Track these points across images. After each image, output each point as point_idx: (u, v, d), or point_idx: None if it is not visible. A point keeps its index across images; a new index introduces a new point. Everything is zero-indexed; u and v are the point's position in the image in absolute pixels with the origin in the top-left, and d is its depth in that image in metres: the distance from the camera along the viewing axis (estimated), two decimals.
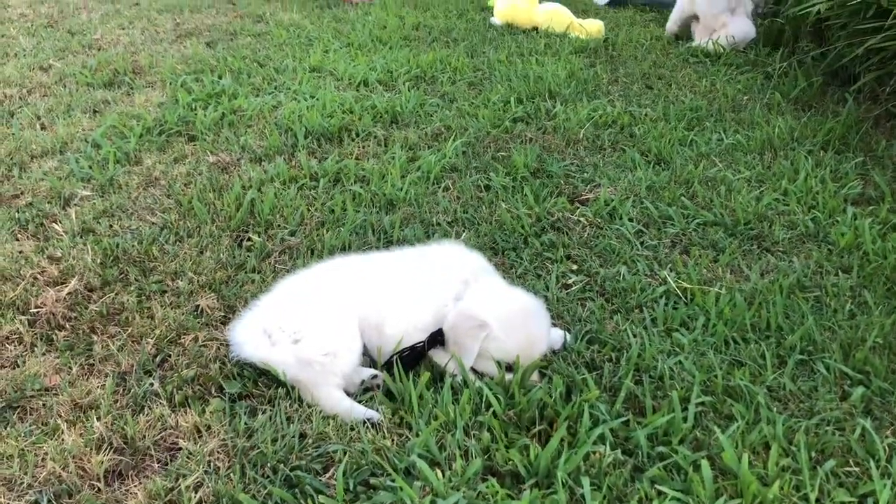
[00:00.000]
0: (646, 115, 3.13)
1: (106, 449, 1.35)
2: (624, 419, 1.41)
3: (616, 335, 1.68)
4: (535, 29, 4.62)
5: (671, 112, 3.14)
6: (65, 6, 4.85)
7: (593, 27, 4.51)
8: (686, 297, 1.85)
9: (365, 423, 1.40)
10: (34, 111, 2.97)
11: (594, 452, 1.32)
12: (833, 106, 3.23)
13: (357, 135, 2.84)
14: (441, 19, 4.77)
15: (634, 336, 1.66)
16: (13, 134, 2.74)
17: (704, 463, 1.28)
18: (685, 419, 1.41)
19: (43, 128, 2.84)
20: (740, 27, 4.41)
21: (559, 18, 4.57)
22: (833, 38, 3.49)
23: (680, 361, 1.59)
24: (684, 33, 4.51)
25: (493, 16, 4.83)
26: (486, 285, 1.60)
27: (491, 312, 1.51)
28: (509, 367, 1.50)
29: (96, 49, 3.89)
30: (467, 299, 1.55)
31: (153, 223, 2.14)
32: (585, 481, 1.24)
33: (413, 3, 5.32)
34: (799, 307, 1.80)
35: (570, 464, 1.28)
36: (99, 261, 1.91)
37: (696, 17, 4.46)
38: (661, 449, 1.35)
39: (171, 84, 3.31)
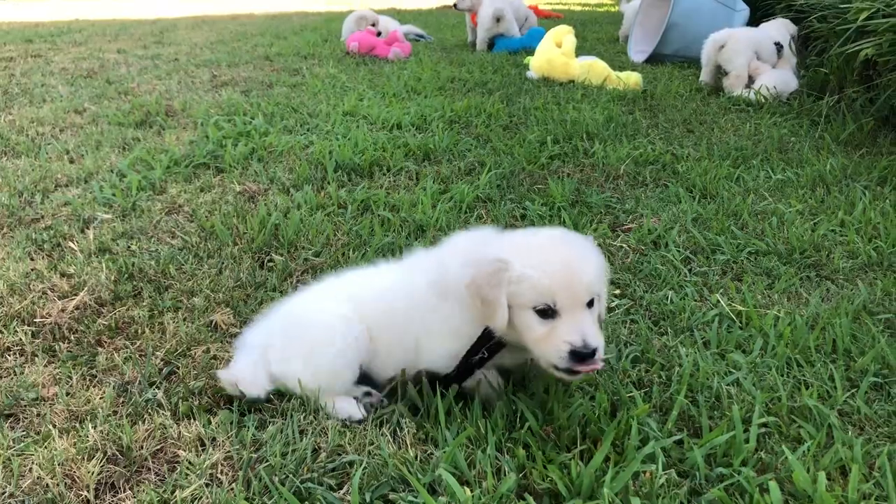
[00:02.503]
0: (688, 154, 3.02)
1: (99, 458, 1.21)
2: (677, 438, 1.25)
3: (665, 354, 1.53)
4: (572, 81, 4.57)
5: (715, 151, 3.03)
6: (105, 61, 4.94)
7: (631, 79, 4.45)
8: (741, 321, 1.69)
9: (349, 423, 1.26)
10: (64, 146, 2.95)
11: (644, 472, 1.16)
12: (887, 146, 3.08)
13: (388, 169, 2.76)
14: (477, 73, 4.76)
15: (686, 356, 1.50)
16: (40, 165, 2.70)
17: (773, 485, 1.11)
18: (747, 440, 1.24)
19: (71, 161, 2.80)
20: (781, 78, 4.33)
21: (596, 71, 4.52)
22: (882, 82, 3.37)
23: (738, 381, 1.42)
24: (719, 83, 4.43)
25: (529, 70, 4.81)
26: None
27: (506, 248, 1.24)
28: (551, 314, 1.19)
29: (132, 96, 3.91)
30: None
31: (172, 244, 2.05)
32: (636, 502, 1.08)
33: (449, 59, 5.34)
34: (868, 329, 1.62)
35: (617, 482, 1.12)
36: (113, 278, 1.81)
37: (723, 71, 4.40)
38: (721, 470, 1.18)
39: (202, 124, 3.28)
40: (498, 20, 5.73)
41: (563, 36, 4.74)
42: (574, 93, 4.20)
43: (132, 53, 5.42)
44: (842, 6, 3.90)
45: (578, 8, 12.41)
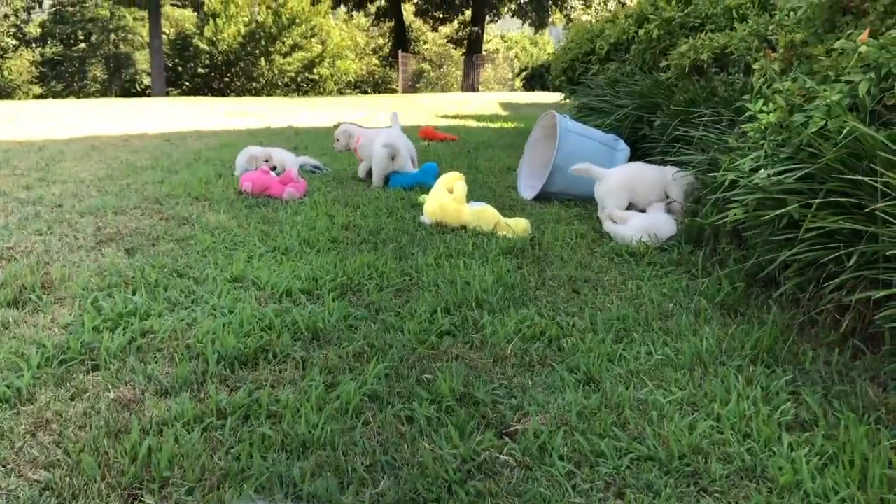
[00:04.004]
0: (573, 325, 3.09)
1: None
2: None
3: None
4: (464, 227, 4.67)
5: (598, 321, 3.11)
6: None
7: (519, 226, 4.58)
8: None
9: None
10: None
11: None
12: (758, 312, 3.25)
13: (274, 356, 2.70)
14: (371, 219, 4.80)
15: None
16: None
17: None
18: None
19: None
20: (662, 224, 4.55)
21: (486, 217, 4.64)
22: (752, 243, 3.58)
23: None
24: None
25: (422, 214, 4.88)
26: None
27: None
28: None
29: (7, 259, 3.73)
30: None
31: (35, 481, 1.91)
32: None
33: (344, 201, 5.38)
34: None
35: None
36: None
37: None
38: None
39: (80, 301, 3.16)
40: (393, 158, 5.85)
41: (455, 182, 4.86)
42: (465, 243, 4.28)
43: (13, 196, 5.22)
44: (709, 165, 4.18)
45: (473, 123, 12.84)
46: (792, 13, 3.89)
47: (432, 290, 3.45)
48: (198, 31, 43.04)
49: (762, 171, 3.27)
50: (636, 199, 4.87)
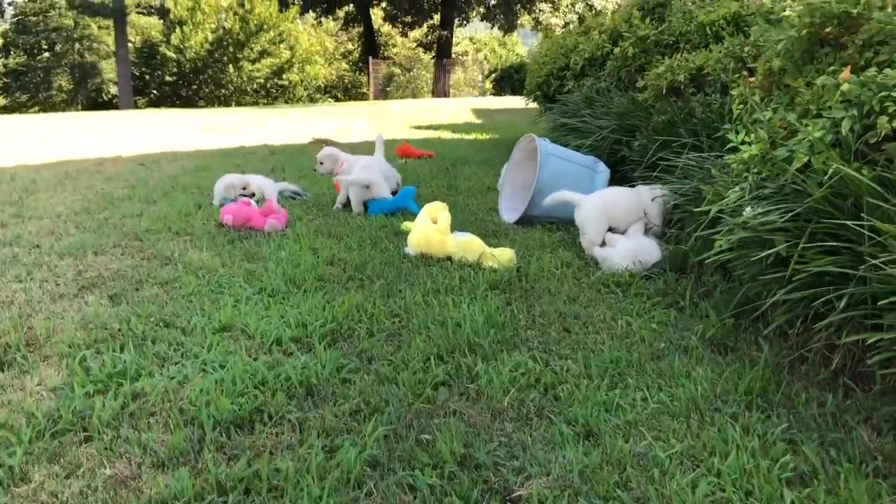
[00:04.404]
0: (567, 370, 3.09)
1: None
2: None
3: None
4: (449, 258, 4.66)
5: (592, 365, 3.12)
6: None
7: (504, 256, 4.58)
8: None
9: None
10: None
11: None
12: (748, 349, 3.27)
13: (270, 418, 2.68)
14: (355, 252, 4.77)
15: None
16: None
17: None
18: None
19: None
20: (647, 249, 4.58)
21: (472, 248, 4.63)
22: (738, 276, 3.60)
23: None
24: None
25: (406, 244, 4.87)
26: None
27: None
28: None
29: None
30: None
31: None
32: None
33: (327, 231, 5.35)
34: None
35: None
36: None
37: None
38: None
39: (68, 360, 3.10)
40: (367, 188, 5.84)
41: (439, 213, 4.85)
42: (452, 276, 4.27)
43: None
44: (693, 193, 4.21)
45: (448, 135, 12.84)
46: (770, 43, 3.91)
47: (423, 333, 3.44)
48: (164, 39, 42.64)
49: (748, 208, 3.29)
50: (615, 223, 4.90)
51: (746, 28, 6.32)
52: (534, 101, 9.24)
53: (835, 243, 2.92)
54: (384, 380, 2.98)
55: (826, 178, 3.00)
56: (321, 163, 6.23)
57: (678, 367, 3.10)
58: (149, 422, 2.64)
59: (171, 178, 7.69)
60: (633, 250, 4.49)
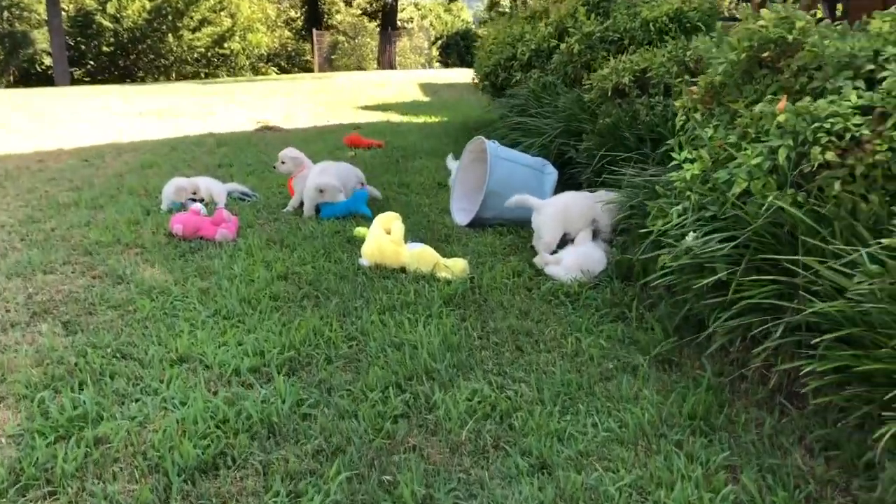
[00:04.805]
0: (521, 395, 3.21)
1: None
2: None
3: None
4: (403, 269, 4.73)
5: (545, 388, 3.24)
6: None
7: (458, 266, 4.66)
8: None
9: None
10: None
11: None
12: (692, 368, 3.43)
13: (234, 461, 2.74)
14: (309, 265, 4.80)
15: None
16: None
17: None
18: None
19: None
20: (593, 257, 4.73)
21: (426, 259, 4.70)
22: (682, 295, 3.74)
23: None
24: None
25: (360, 255, 4.92)
26: None
27: None
28: None
29: None
30: None
31: None
32: None
33: (279, 240, 5.36)
34: None
35: None
36: None
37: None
38: None
39: (26, 402, 3.10)
40: (321, 192, 5.86)
41: (392, 223, 4.91)
42: (407, 291, 4.35)
43: None
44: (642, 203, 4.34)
45: (397, 118, 12.80)
46: (713, 62, 4.04)
47: (381, 358, 3.52)
48: (100, 8, 41.11)
49: (691, 234, 3.43)
50: (570, 228, 5.02)
51: (688, 24, 6.48)
52: (482, 90, 9.28)
53: (771, 276, 3.08)
54: (344, 414, 3.06)
55: (763, 209, 3.15)
56: (283, 162, 6.20)
57: (626, 389, 3.25)
58: (113, 471, 2.67)
59: (116, 178, 7.56)
60: (578, 263, 4.63)
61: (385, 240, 4.81)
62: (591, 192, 5.23)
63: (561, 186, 5.90)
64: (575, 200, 5.12)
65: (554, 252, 4.87)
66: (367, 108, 14.71)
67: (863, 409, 2.63)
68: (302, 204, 6.06)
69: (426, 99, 17.00)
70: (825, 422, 2.88)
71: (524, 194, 5.16)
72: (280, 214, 6.11)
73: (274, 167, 6.43)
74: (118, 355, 3.55)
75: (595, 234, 5.05)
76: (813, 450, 2.82)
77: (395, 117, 12.93)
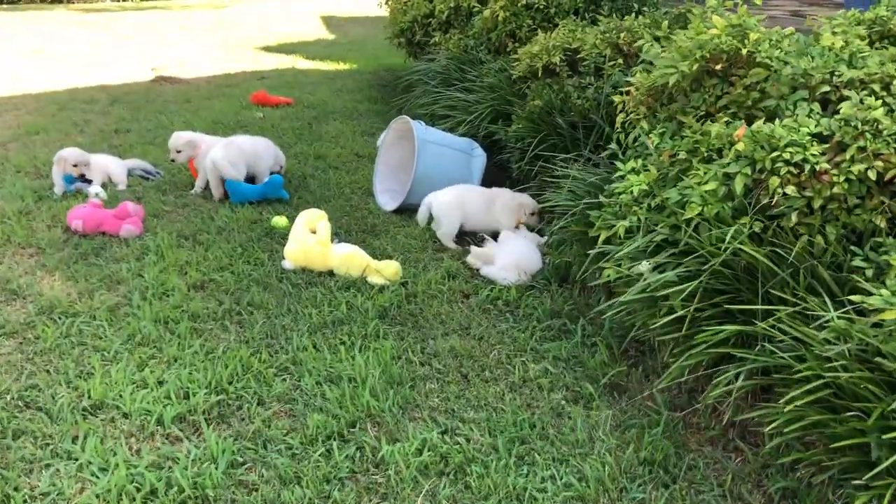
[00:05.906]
0: (473, 440, 3.04)
1: None
2: None
3: None
4: (331, 272, 4.45)
5: (497, 432, 3.09)
6: None
7: (389, 270, 4.41)
8: None
9: None
10: None
11: None
12: (643, 400, 3.34)
13: None
14: (227, 271, 4.43)
15: None
16: None
17: None
18: None
19: None
20: (527, 255, 4.58)
21: (356, 263, 4.43)
22: (622, 308, 3.60)
23: None
24: None
25: (282, 256, 4.59)
26: None
27: None
28: None
29: None
30: None
31: None
32: None
33: (190, 235, 4.93)
34: None
35: None
36: None
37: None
38: None
39: None
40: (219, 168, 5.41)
41: (317, 222, 4.58)
42: (338, 303, 4.08)
43: None
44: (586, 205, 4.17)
45: (304, 64, 12.10)
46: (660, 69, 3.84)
47: (318, 398, 3.28)
48: None
49: (644, 263, 3.29)
50: (467, 221, 5.09)
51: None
52: (398, 46, 8.83)
53: (731, 315, 2.99)
54: (285, 480, 2.81)
55: (723, 249, 3.04)
56: (178, 151, 5.64)
57: (580, 431, 3.12)
58: None
59: (2, 147, 6.81)
60: (515, 262, 4.48)
61: (311, 242, 4.50)
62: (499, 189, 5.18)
63: (490, 170, 5.69)
64: (472, 194, 5.21)
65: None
66: (269, 49, 13.84)
67: (824, 472, 2.59)
68: (209, 185, 5.57)
69: (332, 37, 16.19)
70: (783, 468, 2.85)
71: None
72: (188, 198, 5.64)
73: (173, 160, 5.81)
74: (20, 404, 3.17)
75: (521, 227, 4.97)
76: (771, 496, 2.79)
77: (301, 62, 12.24)
